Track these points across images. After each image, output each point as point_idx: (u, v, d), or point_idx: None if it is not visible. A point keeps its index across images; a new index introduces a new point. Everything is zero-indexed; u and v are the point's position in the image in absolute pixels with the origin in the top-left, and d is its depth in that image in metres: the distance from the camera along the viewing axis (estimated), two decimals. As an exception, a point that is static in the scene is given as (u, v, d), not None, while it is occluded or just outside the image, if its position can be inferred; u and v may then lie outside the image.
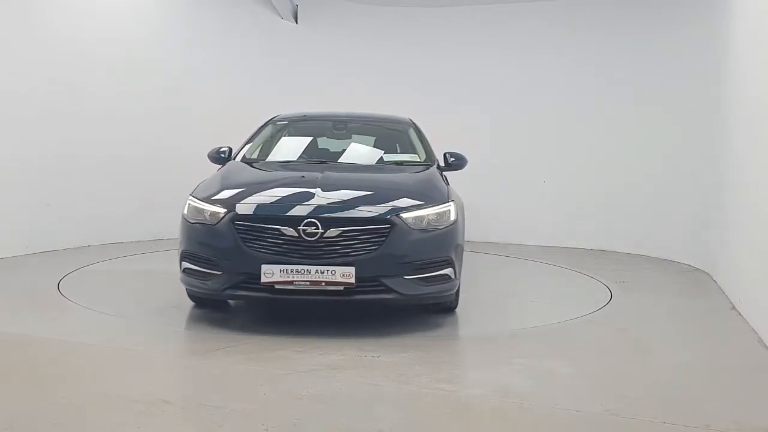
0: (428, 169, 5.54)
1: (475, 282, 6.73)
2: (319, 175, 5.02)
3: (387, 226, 4.48)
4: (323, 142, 6.33)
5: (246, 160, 5.72)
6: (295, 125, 6.45)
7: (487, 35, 9.18)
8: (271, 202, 4.70)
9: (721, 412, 3.30)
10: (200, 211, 4.71)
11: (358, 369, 3.81)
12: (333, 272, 4.35)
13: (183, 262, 4.77)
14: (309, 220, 4.40)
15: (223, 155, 5.80)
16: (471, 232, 8.80)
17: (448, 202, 4.90)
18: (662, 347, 4.53)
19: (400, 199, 4.74)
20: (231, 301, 5.23)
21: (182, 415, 3.12)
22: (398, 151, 6.17)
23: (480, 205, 8.21)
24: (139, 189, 8.30)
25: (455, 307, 5.15)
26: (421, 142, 6.07)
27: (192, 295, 5.04)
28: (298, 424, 3.03)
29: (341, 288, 4.38)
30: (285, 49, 9.81)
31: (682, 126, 7.71)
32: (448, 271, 4.69)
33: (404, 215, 4.56)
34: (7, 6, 6.99)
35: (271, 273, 4.36)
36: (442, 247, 4.69)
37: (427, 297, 4.73)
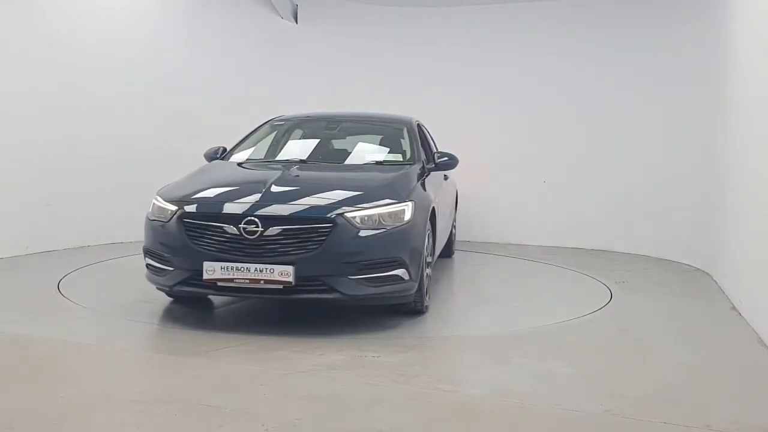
0: (405, 168, 5.45)
1: (475, 282, 6.74)
2: (279, 174, 5.12)
3: (328, 225, 4.43)
4: (312, 143, 6.37)
5: (233, 160, 5.85)
6: (290, 126, 6.55)
7: (487, 35, 9.17)
8: (217, 201, 4.72)
9: (721, 412, 3.30)
10: (158, 208, 4.84)
11: (358, 369, 3.81)
12: (271, 271, 4.36)
13: (145, 259, 4.90)
14: (249, 218, 4.43)
15: (217, 155, 6.00)
16: (471, 232, 8.91)
17: (405, 201, 4.76)
18: (662, 347, 4.53)
19: (352, 198, 4.67)
20: (214, 299, 5.27)
21: (182, 415, 3.12)
22: (387, 150, 6.17)
23: (480, 205, 8.23)
24: (139, 189, 8.28)
25: (422, 309, 5.00)
26: (411, 142, 5.99)
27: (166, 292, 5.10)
28: (298, 424, 3.03)
29: (280, 287, 4.38)
30: (285, 49, 9.81)
31: (682, 126, 7.71)
32: (399, 272, 4.58)
33: (349, 214, 4.49)
34: (7, 6, 6.99)
35: (213, 270, 4.42)
36: (392, 247, 4.57)
37: (375, 298, 4.60)
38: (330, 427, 3.03)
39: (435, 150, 6.60)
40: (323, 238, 4.41)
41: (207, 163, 5.93)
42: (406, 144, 6.04)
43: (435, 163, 5.89)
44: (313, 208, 4.55)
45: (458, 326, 5.02)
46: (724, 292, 5.95)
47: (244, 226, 4.42)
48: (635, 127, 8.32)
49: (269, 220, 4.43)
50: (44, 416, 3.09)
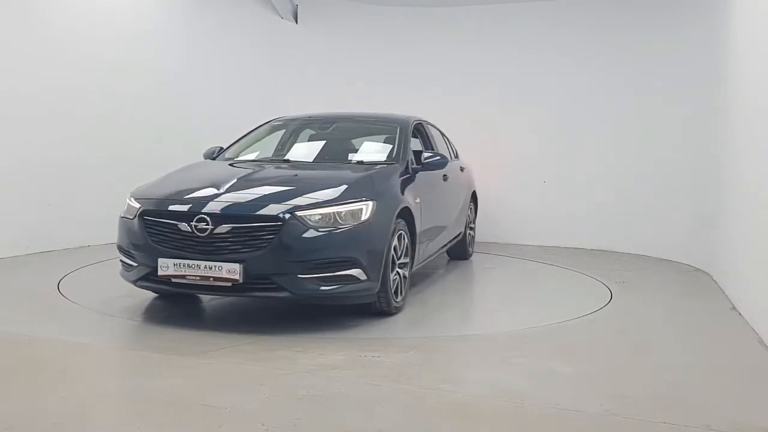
0: (380, 168, 5.44)
1: (474, 282, 6.74)
2: (247, 173, 5.23)
3: (277, 223, 4.44)
4: (303, 143, 6.43)
5: (222, 159, 5.96)
6: (286, 126, 6.61)
7: (487, 35, 9.18)
8: (174, 199, 4.79)
9: (721, 412, 3.29)
10: (127, 206, 4.99)
11: (358, 369, 3.81)
12: (220, 268, 4.40)
13: (119, 255, 5.03)
14: (200, 216, 4.48)
15: (214, 155, 6.13)
16: (471, 232, 8.91)
17: (364, 200, 4.71)
18: (662, 347, 4.53)
19: (309, 197, 4.66)
20: (204, 296, 5.30)
21: (182, 415, 3.12)
22: (374, 150, 6.17)
23: (480, 205, 8.22)
24: (139, 189, 8.30)
25: (389, 311, 4.94)
26: (399, 141, 5.91)
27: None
28: (298, 424, 3.03)
29: (229, 284, 4.41)
30: (285, 49, 9.81)
31: (682, 126, 7.71)
32: (354, 272, 4.54)
33: (300, 213, 4.48)
34: (7, 6, 6.99)
35: (167, 267, 4.51)
36: (346, 247, 4.54)
37: (330, 297, 4.58)
38: (330, 427, 3.03)
39: (429, 150, 6.49)
40: (272, 236, 4.42)
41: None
42: (394, 144, 5.96)
43: (421, 163, 5.81)
44: (263, 206, 4.57)
45: (458, 326, 5.02)
46: (724, 292, 5.95)
47: (195, 223, 4.48)
48: (635, 127, 8.32)
49: (219, 218, 4.48)
50: (44, 416, 3.09)
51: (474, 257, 7.78)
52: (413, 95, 8.99)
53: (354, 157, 5.96)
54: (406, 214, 5.22)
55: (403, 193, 5.28)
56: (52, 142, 7.40)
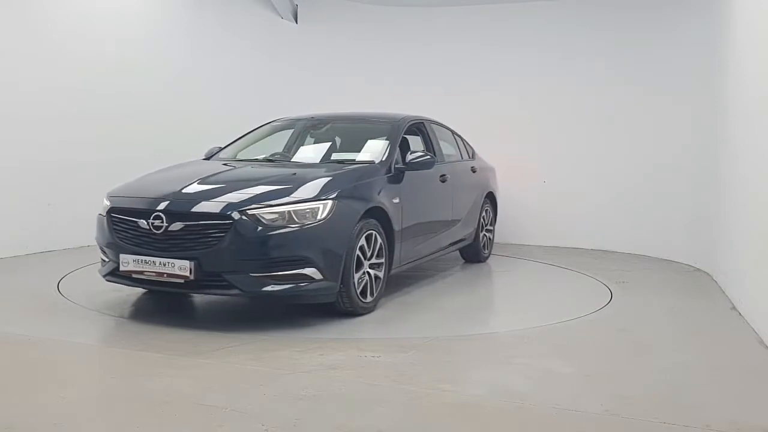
0: (356, 167, 5.42)
1: (474, 282, 6.73)
2: (216, 171, 5.29)
3: (228, 221, 4.47)
4: (293, 143, 6.46)
5: (217, 159, 6.06)
6: (283, 126, 6.68)
7: (487, 34, 9.18)
8: (137, 196, 4.92)
9: (720, 412, 3.29)
10: (103, 204, 5.13)
11: (358, 369, 3.81)
12: (172, 265, 4.49)
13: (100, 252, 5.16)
14: (156, 213, 4.60)
15: (210, 155, 6.24)
16: (471, 232, 8.90)
17: (321, 200, 4.71)
18: (662, 347, 4.53)
19: (266, 195, 4.68)
20: (203, 297, 5.31)
21: (182, 415, 3.12)
22: (360, 150, 6.11)
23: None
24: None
25: (356, 311, 4.92)
26: (388, 141, 5.88)
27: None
28: (298, 424, 3.03)
29: (182, 281, 4.49)
30: (285, 49, 9.81)
31: (682, 126, 7.71)
32: (308, 271, 4.54)
33: (252, 211, 4.51)
34: (7, 6, 6.99)
35: (128, 262, 4.66)
36: (299, 246, 4.53)
37: (282, 296, 4.60)
38: (330, 427, 3.02)
39: (430, 149, 6.49)
40: (222, 234, 4.47)
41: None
42: (381, 144, 5.91)
43: (406, 163, 5.76)
44: (215, 204, 4.61)
45: (458, 326, 5.01)
46: (724, 292, 5.95)
47: (152, 221, 4.59)
48: (635, 127, 8.32)
49: (173, 216, 4.57)
50: (44, 416, 3.09)
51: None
52: (413, 94, 8.99)
53: (335, 156, 5.96)
54: (380, 215, 5.19)
55: (378, 193, 5.24)
56: (52, 143, 7.40)
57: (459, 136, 7.52)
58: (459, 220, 6.79)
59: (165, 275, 4.52)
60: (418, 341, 4.44)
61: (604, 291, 6.09)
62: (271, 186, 4.86)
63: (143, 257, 4.60)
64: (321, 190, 4.81)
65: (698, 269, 7.13)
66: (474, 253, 7.40)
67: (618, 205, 8.43)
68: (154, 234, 4.58)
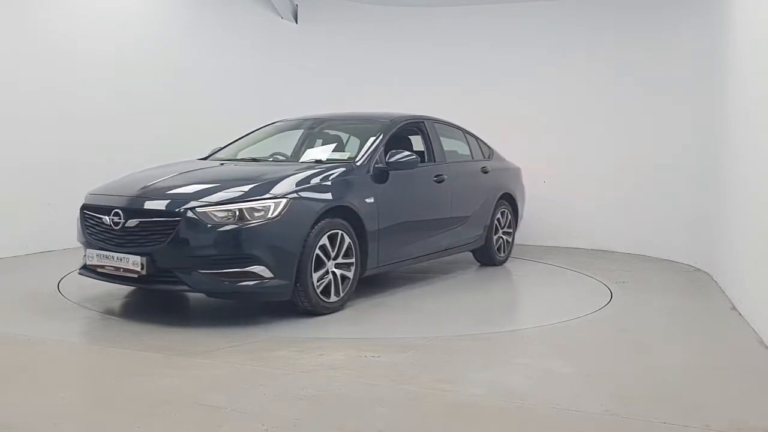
0: (327, 167, 5.40)
1: (473, 282, 6.73)
2: (187, 169, 5.36)
3: (177, 218, 4.56)
4: (284, 143, 6.47)
5: (213, 158, 6.16)
6: (282, 127, 6.72)
7: (487, 34, 9.18)
8: (103, 193, 5.12)
9: (720, 412, 3.29)
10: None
11: (358, 369, 3.81)
12: (127, 260, 4.65)
13: None
14: (115, 210, 4.77)
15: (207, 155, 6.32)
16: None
17: (273, 198, 4.72)
18: (662, 347, 4.53)
19: (219, 193, 4.73)
20: (203, 297, 5.31)
21: (182, 415, 3.12)
22: (344, 150, 6.18)
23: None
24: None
25: (317, 310, 4.91)
26: (373, 142, 5.82)
27: None
28: (298, 424, 3.03)
29: (135, 276, 4.64)
30: (285, 49, 9.81)
31: (682, 126, 7.71)
32: (257, 269, 4.57)
33: (200, 209, 4.58)
34: (7, 7, 6.99)
35: (92, 257, 4.88)
36: (248, 244, 4.56)
37: (232, 293, 4.69)
38: (330, 427, 3.03)
39: (429, 149, 6.47)
40: (171, 231, 4.56)
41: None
42: (363, 144, 5.89)
43: (387, 163, 5.69)
44: (166, 202, 4.73)
45: (458, 326, 5.01)
46: (724, 292, 5.95)
47: (112, 217, 4.77)
48: (635, 127, 8.32)
49: (129, 213, 4.73)
50: (44, 416, 3.09)
51: (459, 255, 7.37)
52: (413, 94, 8.98)
53: (317, 156, 5.95)
54: (348, 214, 5.18)
55: (346, 193, 5.22)
56: (52, 143, 7.41)
57: (473, 137, 7.43)
58: (462, 222, 6.69)
59: (121, 270, 4.69)
60: (418, 341, 4.44)
61: (604, 291, 6.09)
62: (233, 184, 4.89)
63: (104, 252, 4.78)
64: (276, 188, 4.83)
65: (698, 269, 7.13)
66: (487, 255, 7.25)
67: (618, 205, 8.43)
68: (114, 230, 4.75)
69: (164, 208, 4.66)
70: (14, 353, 4.09)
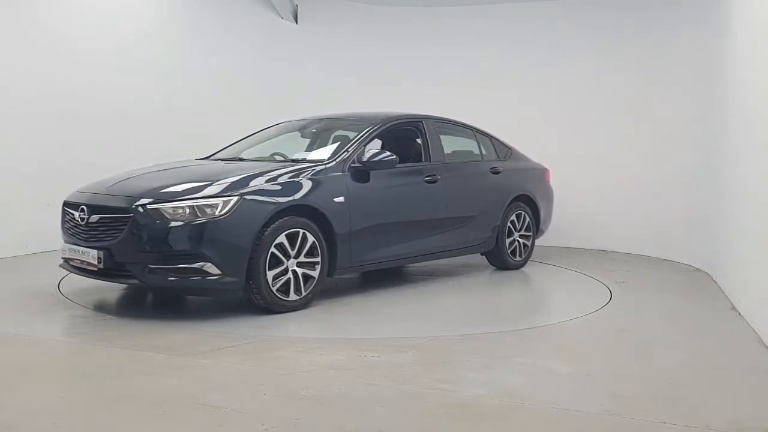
0: (297, 166, 5.44)
1: (473, 282, 6.73)
2: (166, 168, 5.51)
3: (129, 215, 4.73)
4: (275, 143, 6.48)
5: (213, 158, 6.26)
6: (282, 127, 6.74)
7: (488, 34, 9.19)
8: (80, 190, 5.33)
9: (721, 412, 3.29)
10: None
11: (358, 369, 3.81)
12: (88, 254, 4.88)
13: None
14: (81, 206, 5.01)
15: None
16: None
17: (224, 196, 4.78)
18: (662, 347, 4.53)
19: (172, 190, 4.86)
20: (196, 297, 5.35)
21: (182, 415, 3.12)
22: (321, 149, 6.17)
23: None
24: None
25: (273, 308, 4.94)
26: (352, 141, 5.82)
27: None
28: (298, 424, 3.03)
29: (95, 268, 4.85)
30: (285, 49, 9.81)
31: (682, 126, 7.71)
32: (204, 265, 4.65)
33: (150, 206, 4.71)
34: (6, 7, 6.99)
35: (65, 251, 5.16)
36: (196, 240, 4.65)
37: (181, 288, 4.90)
38: (330, 427, 3.02)
39: (426, 149, 6.40)
40: (124, 227, 4.74)
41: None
42: (344, 143, 5.88)
43: (362, 162, 5.62)
44: (123, 199, 4.89)
45: (458, 326, 5.02)
46: (724, 292, 5.95)
47: (79, 213, 5.00)
48: (635, 127, 8.32)
49: (93, 209, 4.95)
50: (44, 416, 3.09)
51: (473, 257, 7.33)
52: (413, 94, 8.99)
53: (296, 156, 5.95)
54: (314, 213, 5.18)
55: (309, 192, 5.20)
56: (52, 143, 7.41)
57: (486, 136, 7.26)
58: (465, 223, 6.56)
59: (84, 263, 4.91)
60: (418, 341, 4.44)
61: (604, 291, 6.09)
62: (192, 183, 4.98)
63: (74, 246, 5.03)
64: (229, 187, 4.88)
65: (698, 269, 7.13)
66: (499, 258, 7.03)
67: (618, 205, 8.43)
68: (81, 225, 4.99)
69: (119, 205, 4.84)
70: (14, 353, 4.09)
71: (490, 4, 9.09)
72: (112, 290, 5.69)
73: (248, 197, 4.84)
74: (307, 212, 5.16)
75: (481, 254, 7.09)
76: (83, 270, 5.03)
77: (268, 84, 9.58)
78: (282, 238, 4.94)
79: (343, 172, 5.52)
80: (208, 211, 4.70)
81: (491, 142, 7.33)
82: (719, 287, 6.18)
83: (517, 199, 7.11)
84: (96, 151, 7.82)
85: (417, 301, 5.65)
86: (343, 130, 6.45)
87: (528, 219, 7.27)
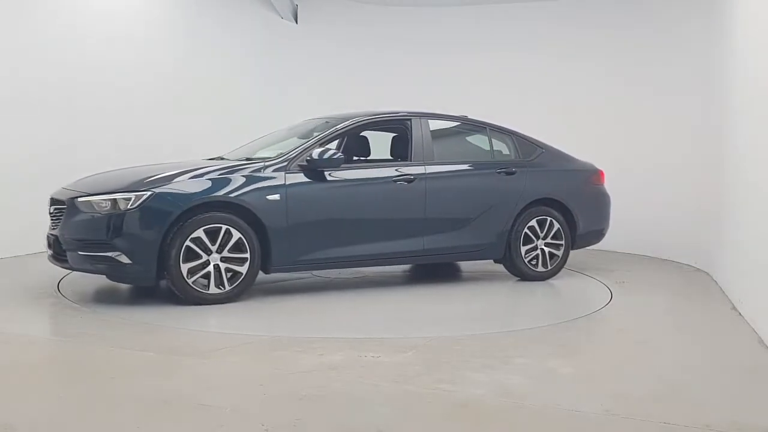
0: (238, 164, 5.55)
1: (473, 282, 6.73)
2: (148, 167, 5.77)
3: (64, 206, 5.27)
4: (267, 143, 6.49)
5: (220, 157, 6.37)
6: (287, 128, 6.74)
7: (487, 34, 9.19)
8: (65, 186, 5.66)
9: (721, 412, 3.29)
10: None
11: (358, 369, 3.81)
12: (48, 240, 5.47)
13: None
14: (51, 198, 5.53)
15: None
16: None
17: (137, 191, 5.11)
18: (662, 347, 4.53)
19: (108, 185, 5.29)
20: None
21: (182, 415, 3.12)
22: (282, 148, 6.15)
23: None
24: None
25: (192, 300, 5.14)
26: (310, 140, 5.80)
27: None
28: (298, 424, 3.03)
29: (50, 253, 5.46)
30: (285, 49, 9.81)
31: (682, 126, 7.72)
32: (114, 254, 5.03)
33: (80, 198, 5.20)
34: (6, 7, 6.99)
35: (48, 241, 5.53)
36: (107, 231, 5.06)
37: (103, 274, 5.28)
38: (330, 426, 3.02)
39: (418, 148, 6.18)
40: (62, 217, 5.28)
41: None
42: (296, 141, 5.94)
43: (308, 161, 5.56)
44: (64, 192, 5.43)
45: (458, 326, 5.02)
46: (724, 292, 5.95)
47: (50, 205, 5.51)
48: (635, 127, 8.32)
49: (53, 201, 5.49)
50: (44, 416, 3.09)
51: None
52: (413, 94, 8.97)
53: (261, 154, 5.98)
54: (240, 210, 5.28)
55: (241, 189, 5.29)
56: (51, 142, 7.40)
57: (508, 134, 6.78)
58: (456, 226, 6.17)
59: (48, 248, 5.49)
60: (418, 341, 4.43)
61: (604, 291, 6.08)
62: (131, 179, 5.31)
63: (49, 233, 5.53)
64: (147, 182, 5.20)
65: (698, 269, 7.13)
66: (514, 267, 6.49)
67: (618, 205, 8.40)
68: (52, 215, 5.50)
69: (63, 198, 5.33)
70: (14, 353, 4.09)
71: (493, 4, 9.09)
72: (112, 290, 5.69)
73: (160, 192, 5.13)
74: (235, 209, 5.30)
75: (495, 262, 6.63)
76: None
77: (268, 84, 9.58)
78: (200, 233, 5.15)
79: (286, 170, 5.51)
80: (122, 205, 5.08)
81: (513, 140, 6.78)
82: (719, 287, 6.18)
83: (538, 202, 6.52)
84: (96, 152, 7.81)
85: (420, 302, 5.65)
86: (323, 129, 6.23)
87: (557, 225, 6.57)
